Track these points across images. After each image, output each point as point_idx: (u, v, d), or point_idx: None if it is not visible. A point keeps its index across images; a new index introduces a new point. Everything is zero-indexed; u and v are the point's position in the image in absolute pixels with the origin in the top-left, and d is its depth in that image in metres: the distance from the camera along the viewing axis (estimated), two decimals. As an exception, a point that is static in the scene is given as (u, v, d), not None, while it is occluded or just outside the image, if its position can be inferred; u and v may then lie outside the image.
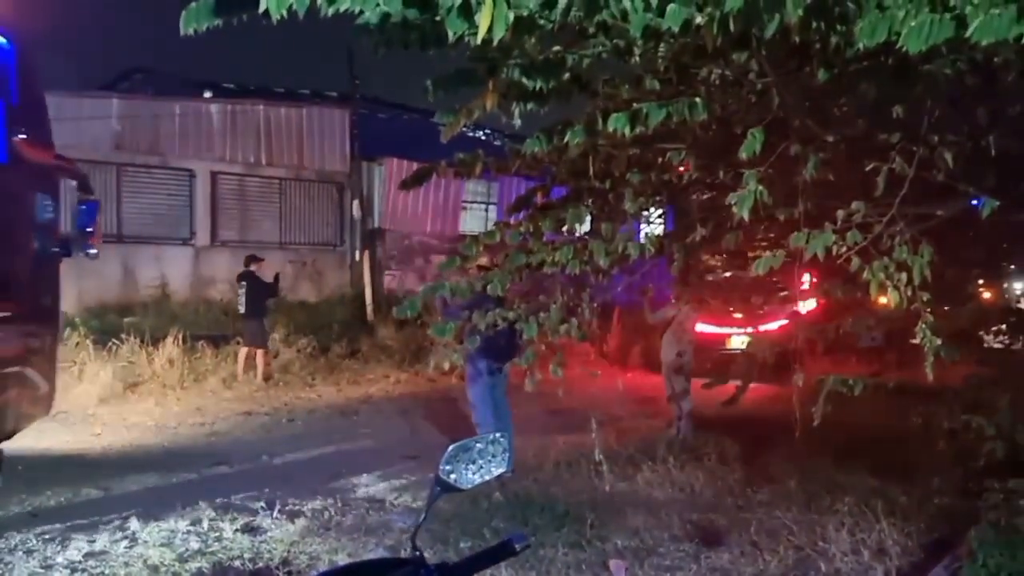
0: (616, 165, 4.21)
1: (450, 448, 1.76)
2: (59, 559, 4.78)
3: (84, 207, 6.50)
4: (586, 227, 4.94)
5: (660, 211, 4.78)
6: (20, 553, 4.84)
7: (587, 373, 7.47)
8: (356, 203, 16.72)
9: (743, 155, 2.78)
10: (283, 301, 13.99)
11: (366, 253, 16.59)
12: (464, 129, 3.85)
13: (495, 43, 2.22)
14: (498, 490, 6.34)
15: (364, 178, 17.07)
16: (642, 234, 4.65)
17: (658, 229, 4.70)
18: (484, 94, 3.17)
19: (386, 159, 17.06)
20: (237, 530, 5.26)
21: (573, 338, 4.73)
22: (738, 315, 11.91)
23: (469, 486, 1.77)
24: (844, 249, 2.81)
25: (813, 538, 5.19)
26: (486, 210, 18.64)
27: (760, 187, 2.82)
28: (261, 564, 4.70)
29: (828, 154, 3.02)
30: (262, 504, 5.83)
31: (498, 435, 1.80)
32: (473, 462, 1.75)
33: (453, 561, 1.69)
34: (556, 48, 2.78)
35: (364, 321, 15.36)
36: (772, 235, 4.53)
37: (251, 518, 5.53)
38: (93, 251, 6.56)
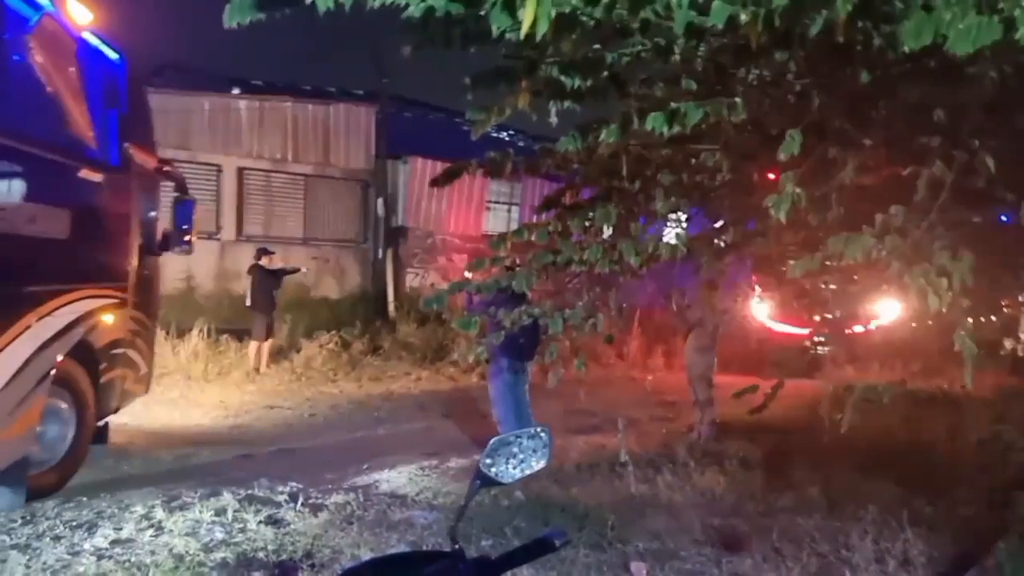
0: (647, 166, 4.20)
1: (491, 442, 1.75)
2: (86, 546, 4.83)
3: (181, 206, 7.36)
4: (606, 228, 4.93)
5: (686, 213, 4.74)
6: (48, 539, 4.89)
7: (607, 375, 7.47)
8: (380, 201, 16.79)
9: (781, 156, 2.76)
10: (305, 297, 14.10)
11: (389, 251, 16.65)
12: (489, 129, 3.86)
13: (536, 40, 2.22)
14: (519, 489, 6.35)
15: (389, 176, 17.13)
16: (671, 235, 4.64)
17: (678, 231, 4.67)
18: (517, 93, 3.17)
19: (411, 157, 17.11)
20: (261, 522, 5.29)
21: (599, 337, 4.73)
22: (817, 316, 11.77)
23: (510, 480, 1.76)
24: (884, 254, 2.78)
25: (836, 546, 5.14)
26: (509, 210, 18.64)
27: (798, 190, 2.80)
28: (285, 556, 4.73)
29: (867, 158, 2.99)
30: (285, 497, 5.86)
31: (539, 429, 1.79)
32: (514, 456, 1.75)
33: (486, 556, 1.69)
34: (596, 46, 2.77)
35: (386, 318, 15.42)
36: (804, 239, 4.50)
37: (274, 510, 5.56)
38: (188, 246, 7.42)
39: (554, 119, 3.09)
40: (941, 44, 2.11)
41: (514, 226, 18.40)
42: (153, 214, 6.91)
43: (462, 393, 11.32)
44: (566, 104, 3.03)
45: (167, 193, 7.52)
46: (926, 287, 2.66)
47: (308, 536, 5.04)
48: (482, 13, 2.13)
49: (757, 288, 7.96)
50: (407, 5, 2.17)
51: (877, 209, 3.15)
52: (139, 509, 5.43)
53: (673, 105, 2.74)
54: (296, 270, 13.01)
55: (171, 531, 5.08)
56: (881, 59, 2.74)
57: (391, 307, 15.82)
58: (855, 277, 3.96)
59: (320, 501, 5.82)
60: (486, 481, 1.73)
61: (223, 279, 15.29)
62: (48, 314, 5.27)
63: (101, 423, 6.39)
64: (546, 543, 1.67)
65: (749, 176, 3.64)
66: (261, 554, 4.76)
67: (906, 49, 2.19)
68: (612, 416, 7.76)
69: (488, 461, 1.72)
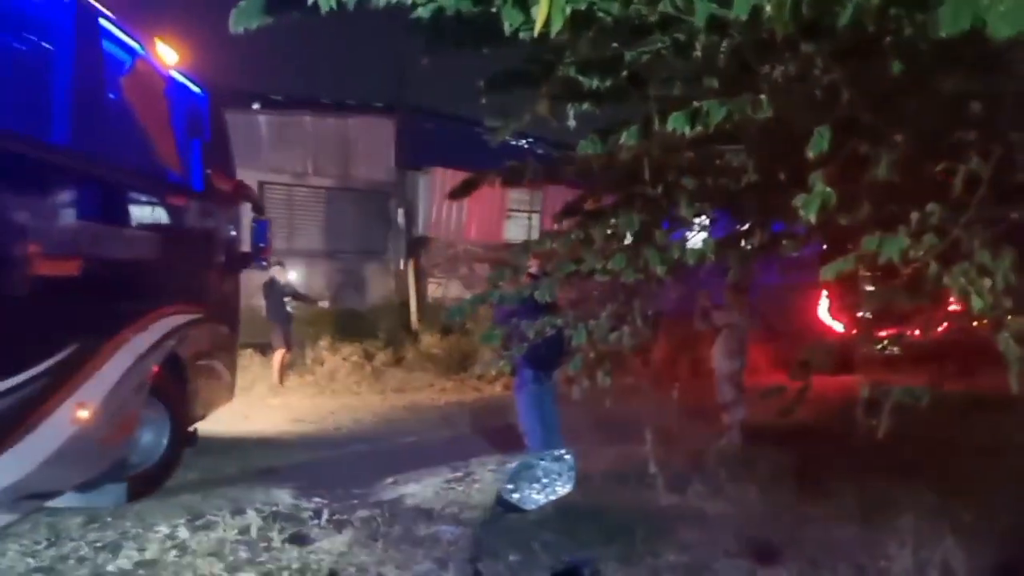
0: (669, 169, 4.09)
1: (514, 466, 1.66)
2: (110, 568, 4.79)
3: (258, 226, 8.03)
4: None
5: (711, 217, 4.62)
6: (72, 561, 4.86)
7: (632, 383, 7.34)
8: (401, 211, 16.77)
9: (810, 155, 2.65)
10: (328, 309, 14.09)
11: (411, 261, 16.62)
12: (508, 137, 3.79)
13: (551, 40, 2.13)
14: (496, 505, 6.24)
15: (409, 187, 17.12)
16: (693, 240, 4.53)
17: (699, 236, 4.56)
18: (534, 96, 3.09)
19: (431, 168, 17.09)
20: (285, 540, 5.22)
21: (623, 347, 4.62)
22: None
23: (532, 507, 1.67)
24: (921, 253, 2.66)
25: (873, 556, 4.99)
26: (530, 218, 18.55)
27: (828, 189, 2.68)
28: (309, 575, 4.66)
29: (899, 153, 2.86)
30: (309, 513, 5.80)
31: (563, 452, 1.69)
32: (537, 481, 1.65)
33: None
34: (614, 45, 2.68)
35: (409, 329, 15.37)
36: (832, 240, 4.37)
37: (299, 527, 5.49)
38: (265, 263, 8.15)
39: (572, 122, 3.00)
40: (979, 30, 1.99)
41: (535, 234, 18.37)
42: (233, 234, 7.51)
43: (487, 404, 11.22)
44: (584, 107, 2.94)
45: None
46: (967, 287, 2.53)
47: (333, 554, 4.97)
48: (493, 10, 2.05)
49: (824, 292, 7.84)
50: (415, 5, 2.10)
51: (908, 207, 3.03)
52: (163, 529, 5.39)
53: (695, 104, 2.64)
54: (311, 301, 13.04)
55: (195, 551, 5.03)
56: (912, 49, 2.62)
57: (413, 318, 15.78)
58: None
59: (345, 517, 5.74)
60: (508, 508, 1.64)
61: (247, 294, 15.29)
62: (143, 329, 5.70)
63: (190, 429, 6.91)
64: (574, 574, 1.57)
65: (775, 176, 3.52)
66: (286, 573, 4.69)
67: (942, 35, 2.07)
68: (638, 425, 7.61)
69: (510, 487, 1.63)
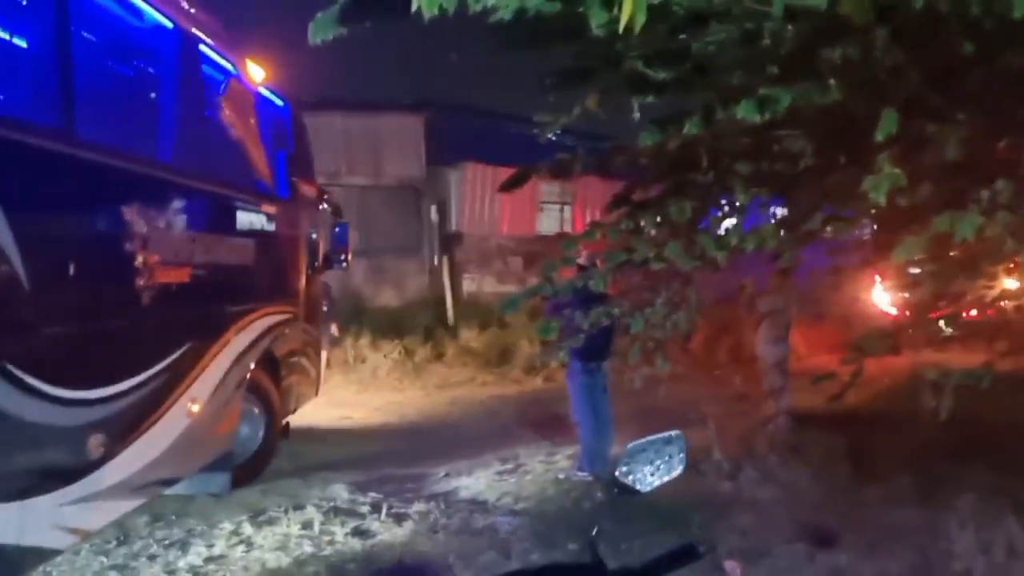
0: (722, 156, 4.10)
1: (628, 448, 1.70)
2: (181, 564, 4.91)
3: (338, 229, 8.59)
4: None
5: (763, 202, 4.61)
6: (143, 559, 4.98)
7: (674, 370, 7.32)
8: (434, 208, 16.85)
9: (879, 137, 2.66)
10: (365, 307, 14.22)
11: (445, 257, 16.70)
12: (534, 131, 3.83)
13: (621, 34, 2.16)
14: (600, 491, 6.28)
15: (441, 183, 17.19)
16: (733, 225, 4.52)
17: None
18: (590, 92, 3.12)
19: (462, 163, 17.14)
20: (347, 533, 5.32)
21: (679, 334, 4.65)
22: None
23: (648, 489, 1.71)
24: (999, 230, 2.65)
25: (934, 538, 4.96)
26: (562, 210, 18.55)
27: (897, 170, 2.69)
28: (375, 567, 4.74)
29: (967, 132, 2.86)
30: (367, 507, 5.88)
31: (675, 433, 1.73)
32: (651, 463, 1.69)
33: (628, 566, 1.63)
34: (682, 36, 2.70)
35: (446, 325, 15.46)
36: (887, 221, 4.35)
37: (359, 521, 5.59)
38: (345, 264, 8.62)
39: (636, 114, 3.03)
40: None
41: (567, 226, 18.33)
42: (316, 237, 7.94)
43: (528, 396, 11.28)
44: (648, 99, 2.97)
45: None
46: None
47: (396, 546, 5.05)
48: (580, 9, 2.09)
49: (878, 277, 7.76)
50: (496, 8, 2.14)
51: (970, 186, 3.02)
52: (227, 525, 5.50)
53: (763, 91, 2.66)
54: None
55: (261, 546, 5.14)
56: (978, 28, 2.62)
57: (450, 313, 15.87)
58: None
59: (403, 510, 5.83)
60: (624, 490, 1.68)
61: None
62: (242, 330, 6.10)
63: (283, 422, 7.29)
64: (690, 551, 1.60)
65: (835, 159, 3.52)
66: (352, 566, 4.78)
67: (1017, 16, 2.08)
68: (684, 412, 7.61)
69: (625, 469, 1.67)
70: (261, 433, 6.81)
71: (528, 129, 15.13)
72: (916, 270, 4.88)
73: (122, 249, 4.49)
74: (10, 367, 3.45)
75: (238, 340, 5.98)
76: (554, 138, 4.10)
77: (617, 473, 1.68)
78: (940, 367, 4.31)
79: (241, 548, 5.15)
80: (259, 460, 6.83)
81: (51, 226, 3.94)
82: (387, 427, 9.50)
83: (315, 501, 6.02)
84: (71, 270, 4.01)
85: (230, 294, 6.08)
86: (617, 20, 1.88)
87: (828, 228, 4.24)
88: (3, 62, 4.46)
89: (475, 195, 17.12)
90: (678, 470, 1.73)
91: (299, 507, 5.87)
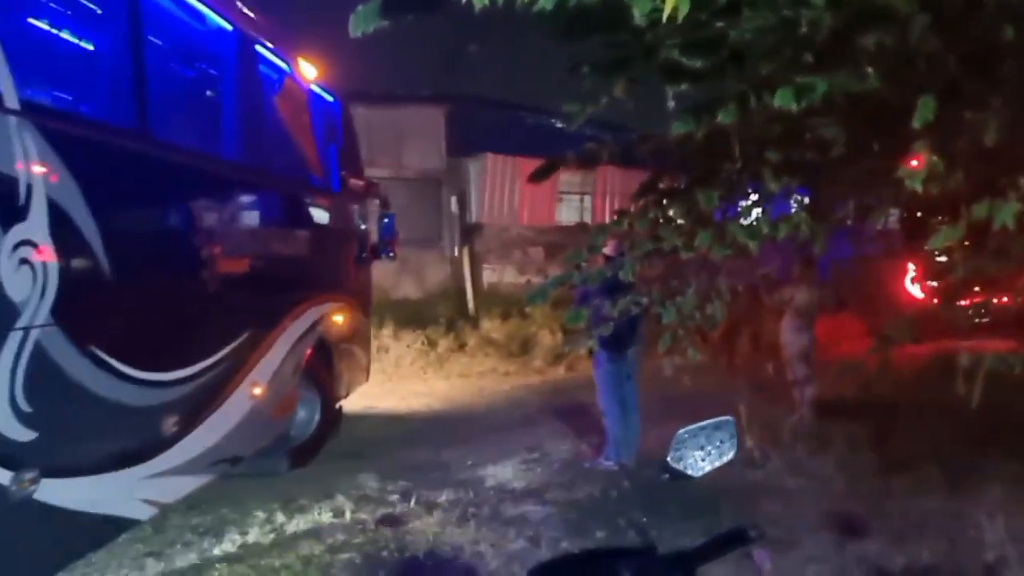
0: (750, 144, 4.09)
1: (677, 434, 1.72)
2: (215, 551, 4.98)
3: (386, 220, 8.83)
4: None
5: (792, 190, 4.60)
6: (179, 546, 5.06)
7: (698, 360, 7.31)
8: (454, 199, 16.88)
9: (916, 124, 2.65)
10: (386, 298, 14.26)
11: (465, 248, 16.73)
12: (553, 121, 3.82)
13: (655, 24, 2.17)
14: (626, 479, 6.31)
15: (461, 174, 17.20)
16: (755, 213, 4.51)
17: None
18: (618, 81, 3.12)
19: (482, 154, 17.14)
20: (378, 521, 5.38)
21: (709, 323, 4.65)
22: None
23: (699, 474, 1.73)
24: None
25: (963, 527, 4.95)
26: (582, 200, 18.52)
27: (935, 158, 2.68)
28: (408, 555, 4.79)
29: (1003, 118, 2.84)
30: (397, 496, 5.94)
31: (726, 419, 1.75)
32: (701, 448, 1.71)
33: (680, 550, 1.65)
34: (719, 24, 2.70)
35: (467, 315, 15.51)
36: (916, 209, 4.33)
37: (389, 509, 5.65)
38: (392, 254, 8.83)
39: (671, 103, 3.03)
40: None
41: (587, 216, 18.28)
42: (364, 228, 8.33)
43: (551, 386, 11.32)
44: (683, 87, 2.97)
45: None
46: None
47: (428, 534, 5.10)
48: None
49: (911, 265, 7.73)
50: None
51: (1007, 173, 3.00)
52: (260, 513, 5.58)
53: (799, 79, 2.66)
54: None
55: (294, 534, 5.21)
56: (1018, 12, 2.60)
57: (470, 304, 15.90)
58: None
59: (432, 499, 5.88)
60: (675, 475, 1.70)
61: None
62: (297, 318, 6.39)
63: (336, 407, 7.61)
64: (742, 535, 1.62)
65: (869, 147, 3.51)
66: (385, 553, 4.84)
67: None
68: (709, 402, 7.60)
69: (676, 454, 1.69)
70: (316, 417, 7.12)
71: (547, 120, 15.26)
72: (944, 258, 4.86)
73: (192, 243, 4.80)
74: (97, 352, 3.72)
75: (294, 327, 6.29)
76: (574, 128, 4.09)
77: (668, 458, 1.71)
78: (972, 353, 4.29)
79: (274, 536, 5.22)
80: (314, 443, 7.12)
81: (129, 223, 4.23)
82: (412, 417, 9.56)
83: (345, 489, 6.08)
84: (148, 263, 4.33)
85: (287, 284, 6.41)
86: (659, 9, 1.89)
87: (858, 216, 4.24)
88: (83, 70, 4.72)
89: (495, 186, 17.12)
90: (729, 455, 1.75)
91: (329, 495, 5.94)
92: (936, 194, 3.50)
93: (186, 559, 4.87)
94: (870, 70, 2.68)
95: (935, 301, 5.53)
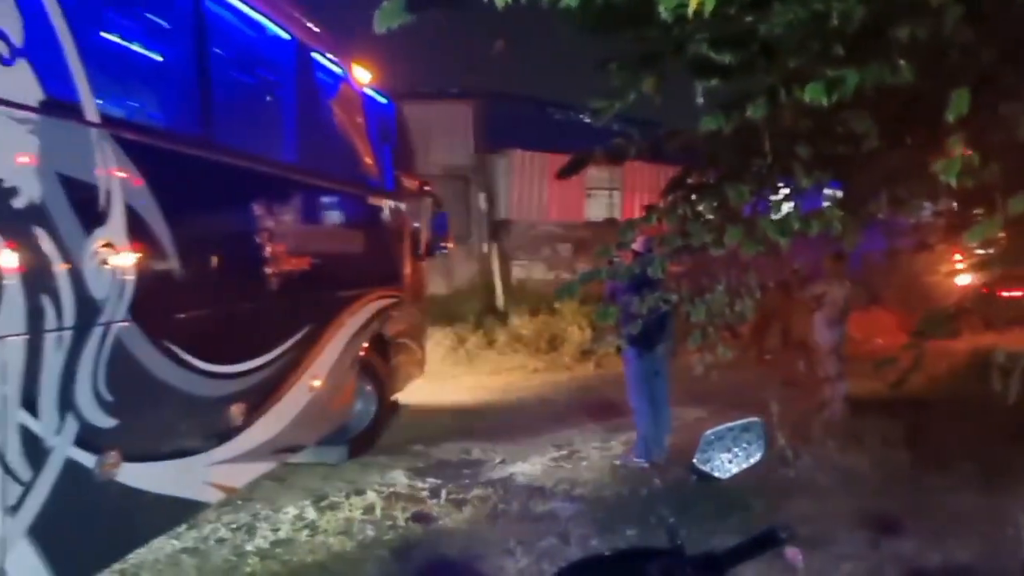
0: (780, 139, 4.04)
1: (704, 435, 1.71)
2: (248, 547, 5.04)
3: (438, 217, 9.13)
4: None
5: (824, 185, 4.54)
6: (212, 542, 5.13)
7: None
8: (483, 195, 16.89)
9: (950, 118, 2.61)
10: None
11: (493, 244, 16.74)
12: (580, 117, 3.80)
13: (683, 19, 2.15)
14: (656, 477, 6.28)
15: (488, 170, 17.21)
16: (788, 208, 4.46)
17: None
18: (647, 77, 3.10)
19: (509, 150, 17.14)
20: (408, 518, 5.41)
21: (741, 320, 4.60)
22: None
23: (726, 476, 1.71)
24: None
25: (1000, 524, 4.86)
26: (610, 195, 18.46)
27: (969, 151, 2.64)
28: (438, 552, 4.82)
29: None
30: (427, 493, 5.97)
31: (753, 420, 1.73)
32: (728, 450, 1.70)
33: (709, 551, 1.64)
34: (748, 18, 2.68)
35: (496, 312, 15.51)
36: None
37: (419, 506, 5.68)
38: (445, 251, 9.22)
39: (700, 99, 3.01)
40: None
41: (616, 212, 18.19)
42: (418, 226, 8.59)
43: (580, 382, 11.29)
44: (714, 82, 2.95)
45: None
46: None
47: (458, 532, 5.12)
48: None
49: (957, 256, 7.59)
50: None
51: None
52: (292, 510, 5.63)
53: (830, 73, 2.62)
54: None
55: (325, 530, 5.26)
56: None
57: (499, 300, 15.91)
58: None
59: (461, 496, 5.90)
60: (702, 477, 1.69)
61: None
62: (354, 314, 6.67)
63: (393, 399, 7.99)
64: (772, 537, 1.60)
65: (901, 141, 3.45)
66: (415, 551, 4.86)
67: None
68: (739, 398, 7.54)
69: (703, 456, 1.68)
70: (373, 408, 7.42)
71: (573, 115, 15.20)
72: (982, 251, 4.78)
73: (256, 243, 5.05)
74: (171, 346, 3.97)
75: (352, 322, 6.57)
76: (602, 124, 4.07)
77: (695, 460, 1.69)
78: (1009, 349, 4.21)
79: (306, 532, 5.27)
80: (372, 433, 7.41)
81: (199, 225, 4.44)
82: (441, 413, 9.57)
83: (375, 486, 6.13)
84: (217, 263, 4.56)
85: (345, 280, 6.63)
86: (685, 4, 1.88)
87: (890, 210, 4.18)
88: (153, 81, 4.94)
89: (523, 182, 17.12)
90: (756, 457, 1.73)
91: (360, 492, 5.98)
92: (972, 187, 3.44)
93: (219, 555, 4.93)
94: (902, 62, 2.63)
95: (974, 295, 5.41)
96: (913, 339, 5.14)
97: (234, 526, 5.38)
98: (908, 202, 4.13)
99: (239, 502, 5.83)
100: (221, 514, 5.58)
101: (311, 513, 5.57)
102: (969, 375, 8.51)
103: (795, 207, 4.40)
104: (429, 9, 2.41)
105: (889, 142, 3.52)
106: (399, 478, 6.38)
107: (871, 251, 9.17)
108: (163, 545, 5.03)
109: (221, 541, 5.14)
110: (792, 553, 5.34)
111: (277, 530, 5.29)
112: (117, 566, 4.54)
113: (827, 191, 5.04)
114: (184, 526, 5.34)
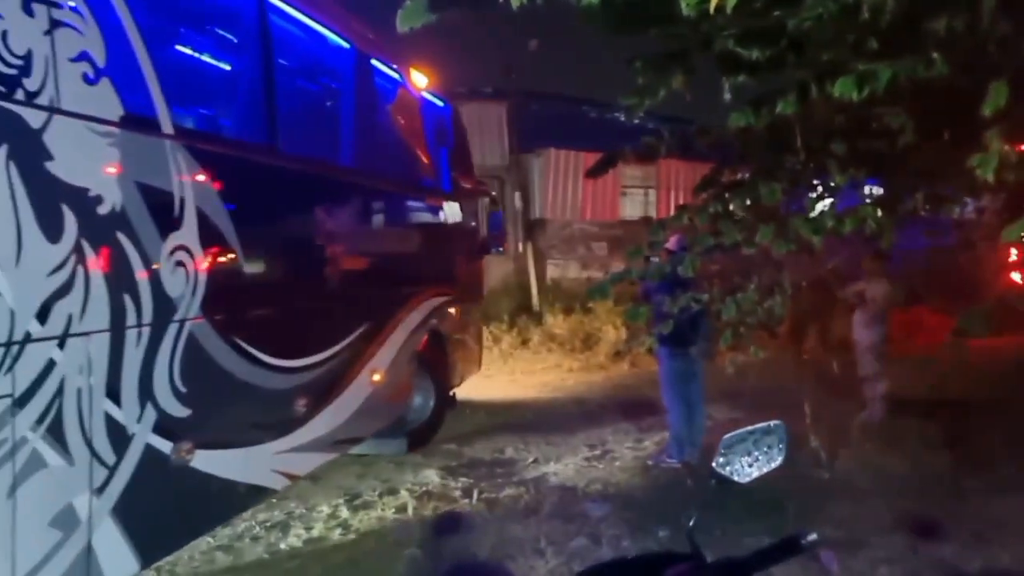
0: (813, 136, 3.98)
1: (724, 439, 1.67)
2: (282, 545, 5.09)
3: (494, 217, 9.36)
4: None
5: (859, 183, 4.45)
6: (247, 540, 5.18)
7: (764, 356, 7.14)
8: (517, 195, 16.87)
9: (986, 112, 2.54)
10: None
11: (528, 244, 16.73)
12: (615, 115, 3.77)
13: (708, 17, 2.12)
14: (689, 477, 6.23)
15: (523, 170, 17.20)
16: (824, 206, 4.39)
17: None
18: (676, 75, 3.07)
19: (544, 149, 17.11)
20: (441, 517, 5.41)
21: (772, 319, 4.55)
22: None
23: (746, 480, 1.67)
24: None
25: (1045, 529, 4.76)
26: (646, 194, 18.35)
27: (1007, 147, 2.57)
28: (469, 551, 4.82)
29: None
30: (459, 492, 5.98)
31: (775, 423, 1.70)
32: (748, 454, 1.66)
33: (730, 557, 1.60)
34: (776, 13, 2.63)
35: (530, 311, 15.50)
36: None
37: (451, 506, 5.69)
38: (501, 249, 9.46)
39: (727, 95, 2.97)
40: None
41: (651, 211, 18.07)
42: (474, 225, 8.78)
43: (615, 382, 11.22)
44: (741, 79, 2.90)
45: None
46: None
47: (489, 531, 5.11)
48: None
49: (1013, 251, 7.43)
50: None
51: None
52: (325, 509, 5.67)
53: (862, 67, 2.57)
54: None
55: (358, 529, 5.29)
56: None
57: (534, 300, 15.89)
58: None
59: (494, 495, 5.90)
60: (722, 481, 1.66)
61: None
62: (413, 310, 6.87)
63: (450, 394, 8.10)
64: (794, 544, 1.56)
65: (937, 136, 3.38)
66: (447, 551, 4.87)
67: None
68: (775, 398, 7.44)
69: (722, 460, 1.64)
70: (431, 403, 7.59)
71: (607, 113, 15.16)
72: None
73: (320, 244, 5.28)
74: (240, 341, 4.18)
75: (410, 319, 6.77)
76: (637, 121, 4.05)
77: (714, 464, 1.66)
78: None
79: (339, 531, 5.31)
80: (429, 427, 7.57)
81: (266, 228, 4.65)
82: (474, 412, 9.58)
83: (408, 486, 6.15)
84: (283, 263, 4.82)
85: (404, 279, 6.88)
86: (706, 0, 1.85)
87: (928, 207, 4.09)
88: (221, 92, 5.18)
89: (557, 181, 17.08)
90: (777, 461, 1.69)
91: (393, 491, 6.01)
92: (1015, 182, 3.35)
93: (254, 552, 4.98)
94: (936, 56, 2.57)
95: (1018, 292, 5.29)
96: (953, 338, 5.04)
97: (268, 524, 5.43)
98: (947, 199, 4.03)
99: (274, 500, 5.89)
100: (255, 512, 5.63)
101: (344, 512, 5.60)
102: (1012, 375, 8.32)
103: (831, 205, 4.33)
104: (449, 9, 2.40)
105: (925, 138, 3.45)
106: (432, 477, 6.40)
107: (913, 249, 8.99)
108: (198, 542, 5.09)
109: (256, 539, 5.20)
110: (827, 556, 5.25)
111: (310, 528, 5.33)
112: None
113: (866, 189, 4.96)
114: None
